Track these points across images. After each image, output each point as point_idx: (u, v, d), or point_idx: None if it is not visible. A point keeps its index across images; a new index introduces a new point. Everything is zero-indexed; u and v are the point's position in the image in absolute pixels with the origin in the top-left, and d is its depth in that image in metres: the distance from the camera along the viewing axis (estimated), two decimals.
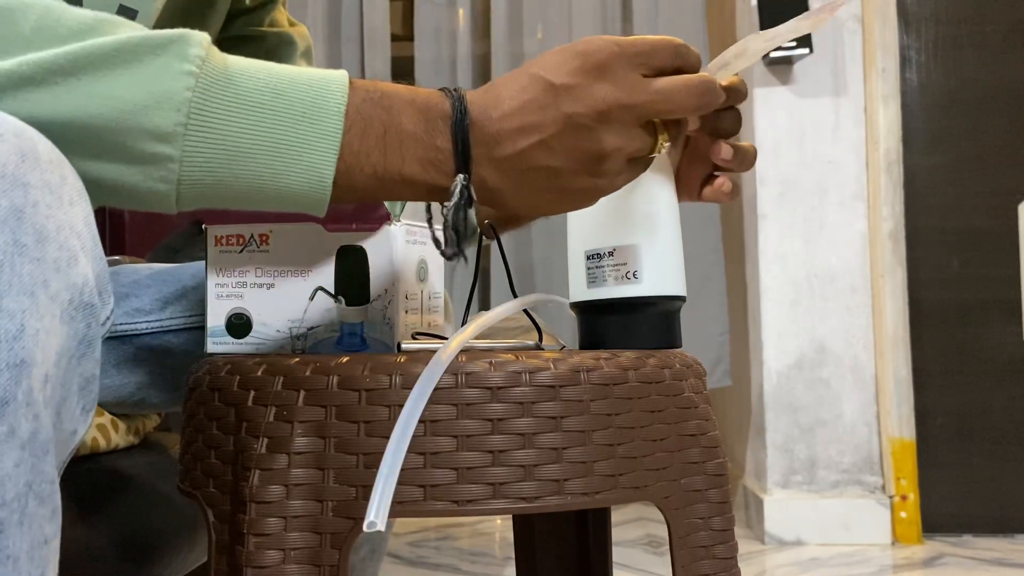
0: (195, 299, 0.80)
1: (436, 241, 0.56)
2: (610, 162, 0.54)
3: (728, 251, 2.40)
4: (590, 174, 0.54)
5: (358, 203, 0.57)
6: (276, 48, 0.90)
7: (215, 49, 0.48)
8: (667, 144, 0.57)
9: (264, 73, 0.49)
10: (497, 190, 0.53)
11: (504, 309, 0.60)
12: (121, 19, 0.47)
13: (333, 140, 0.48)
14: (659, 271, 0.65)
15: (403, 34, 2.67)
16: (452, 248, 0.54)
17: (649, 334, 0.65)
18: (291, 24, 0.94)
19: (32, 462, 0.38)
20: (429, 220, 0.58)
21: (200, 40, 0.47)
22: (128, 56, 0.45)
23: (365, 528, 0.49)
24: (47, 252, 0.39)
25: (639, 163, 0.57)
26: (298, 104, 0.48)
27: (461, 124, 0.51)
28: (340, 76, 0.50)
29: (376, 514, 0.48)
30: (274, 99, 0.48)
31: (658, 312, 0.66)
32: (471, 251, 0.58)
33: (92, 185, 0.46)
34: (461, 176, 0.51)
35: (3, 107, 0.43)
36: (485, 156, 0.52)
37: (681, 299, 0.67)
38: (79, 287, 0.41)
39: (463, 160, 0.51)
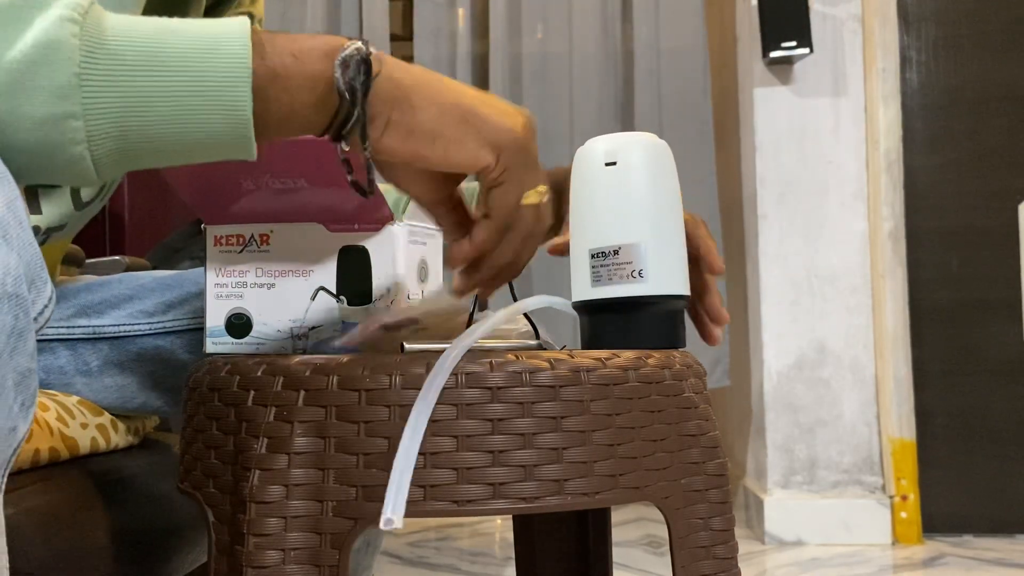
0: (198, 305, 0.80)
1: (354, 184, 0.52)
2: (527, 135, 0.54)
3: (728, 251, 2.40)
4: (505, 118, 0.53)
5: (279, 138, 0.50)
6: None
7: (95, 2, 0.44)
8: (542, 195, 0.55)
9: (152, 20, 0.45)
10: (405, 81, 0.50)
11: (510, 311, 0.59)
12: None
13: (242, 67, 0.44)
14: (664, 270, 0.65)
15: (403, 34, 2.67)
16: (363, 177, 0.50)
17: (654, 333, 0.65)
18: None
19: None
20: (349, 172, 0.51)
21: None
22: (2, 12, 0.41)
23: (382, 525, 0.48)
24: None
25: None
26: (198, 40, 0.44)
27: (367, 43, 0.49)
28: (237, 18, 0.47)
29: (392, 511, 0.48)
30: (172, 35, 0.44)
31: (662, 311, 0.66)
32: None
33: (9, 166, 0.42)
34: (357, 41, 0.48)
35: None
36: (402, 66, 0.50)
37: (685, 298, 0.67)
38: (0, 277, 0.38)
39: (363, 42, 0.49)
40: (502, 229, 0.54)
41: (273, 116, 0.47)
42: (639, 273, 0.65)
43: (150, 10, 0.67)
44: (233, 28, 0.45)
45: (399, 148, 0.50)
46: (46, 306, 0.42)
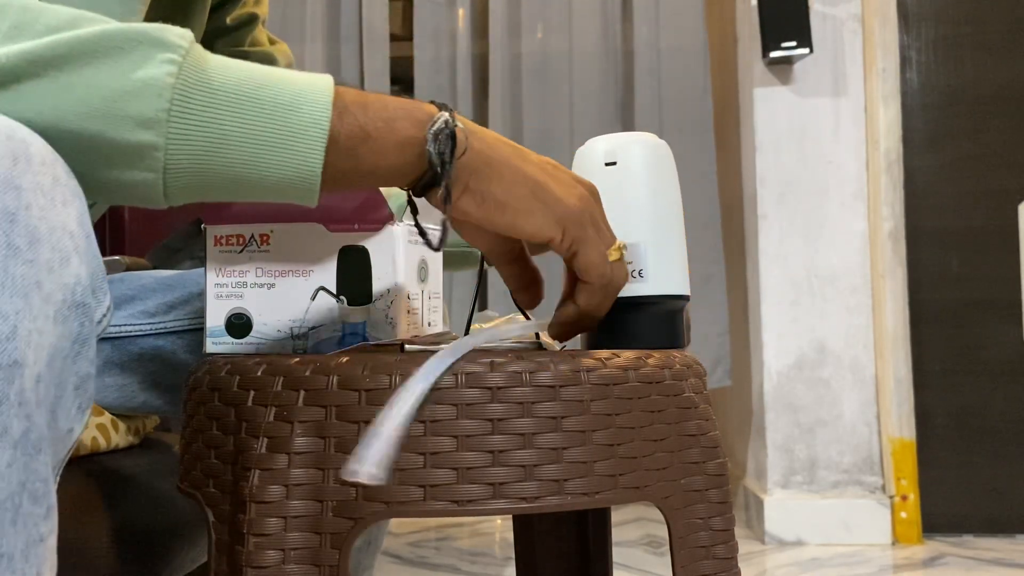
0: (199, 305, 0.80)
1: (422, 232, 0.57)
2: (598, 211, 0.58)
3: (728, 251, 2.40)
4: (578, 197, 0.57)
5: (355, 189, 0.56)
6: None
7: (196, 44, 0.48)
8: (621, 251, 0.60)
9: (246, 66, 0.49)
10: (486, 153, 0.54)
11: (508, 330, 0.61)
12: (98, 15, 0.47)
13: (320, 128, 0.48)
14: (664, 270, 0.65)
15: (402, 34, 2.67)
16: (435, 239, 0.55)
17: (654, 333, 0.65)
18: (271, 42, 0.94)
19: (25, 461, 0.38)
20: (414, 211, 0.58)
21: (181, 32, 0.47)
22: (109, 45, 0.45)
23: (345, 475, 0.48)
24: (40, 254, 0.39)
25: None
26: (284, 93, 0.48)
27: (449, 108, 0.54)
28: (324, 76, 0.51)
29: (361, 462, 0.48)
30: (258, 88, 0.47)
31: (663, 311, 0.66)
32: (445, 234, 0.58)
33: (85, 183, 0.46)
34: (446, 112, 0.52)
35: None
36: (479, 133, 0.54)
37: (685, 298, 0.67)
38: (71, 287, 0.41)
39: (448, 111, 0.53)
40: (600, 290, 0.59)
41: (359, 172, 0.51)
42: (639, 273, 0.65)
43: (153, 8, 0.67)
44: (319, 89, 0.49)
45: (473, 212, 0.55)
46: (105, 315, 0.44)
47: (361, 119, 0.50)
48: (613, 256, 0.59)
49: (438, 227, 0.65)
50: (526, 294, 0.64)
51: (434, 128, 0.52)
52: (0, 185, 0.38)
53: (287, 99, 0.48)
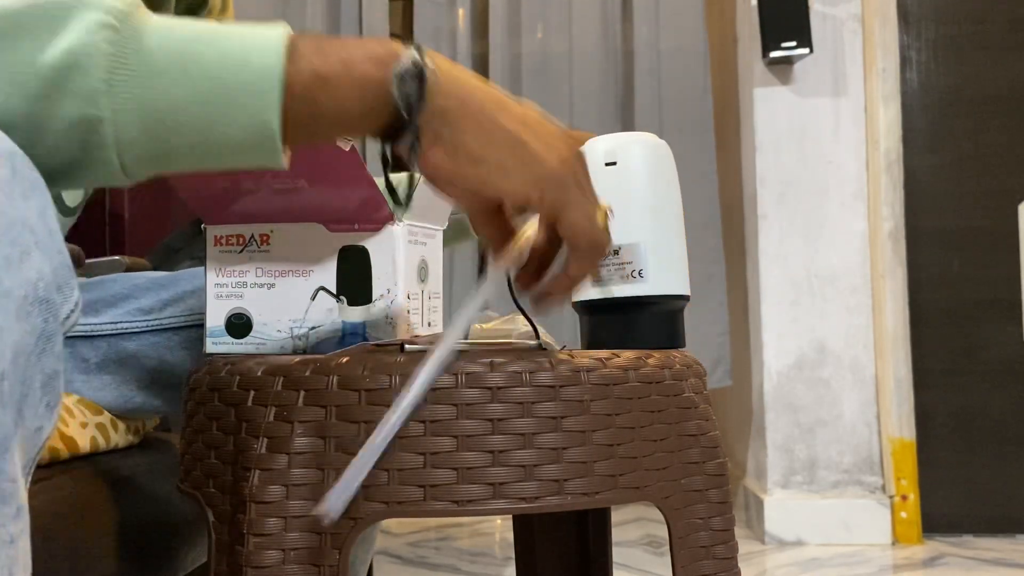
0: (194, 303, 0.80)
1: (390, 188, 0.52)
2: (580, 164, 0.53)
3: (728, 251, 2.40)
4: (558, 152, 0.52)
5: (323, 141, 0.51)
6: None
7: (138, 4, 0.45)
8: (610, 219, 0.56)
9: (191, 24, 0.46)
10: (458, 100, 0.49)
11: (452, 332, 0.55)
12: None
13: (272, 78, 0.44)
14: (664, 270, 0.65)
15: (402, 34, 2.67)
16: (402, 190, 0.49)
17: (654, 333, 0.65)
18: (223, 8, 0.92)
19: None
20: (384, 166, 0.52)
21: None
22: (39, 14, 0.42)
23: (316, 511, 0.49)
24: None
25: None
26: (231, 48, 0.45)
27: (420, 48, 0.48)
28: (276, 25, 0.47)
29: (331, 506, 0.49)
30: (205, 45, 0.44)
31: (662, 311, 0.66)
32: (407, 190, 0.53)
33: (42, 166, 0.43)
34: (413, 51, 0.47)
35: None
36: (451, 72, 0.49)
37: (685, 298, 0.67)
38: (33, 283, 0.39)
39: (417, 50, 0.48)
40: (593, 255, 0.54)
41: (322, 122, 0.47)
42: (639, 273, 0.65)
43: None
44: (269, 38, 0.45)
45: (444, 165, 0.50)
46: (72, 311, 0.43)
47: (316, 62, 0.46)
48: (600, 220, 0.54)
49: (429, 225, 0.64)
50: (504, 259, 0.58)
51: (399, 68, 0.47)
52: None
53: (235, 53, 0.44)
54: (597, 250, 0.54)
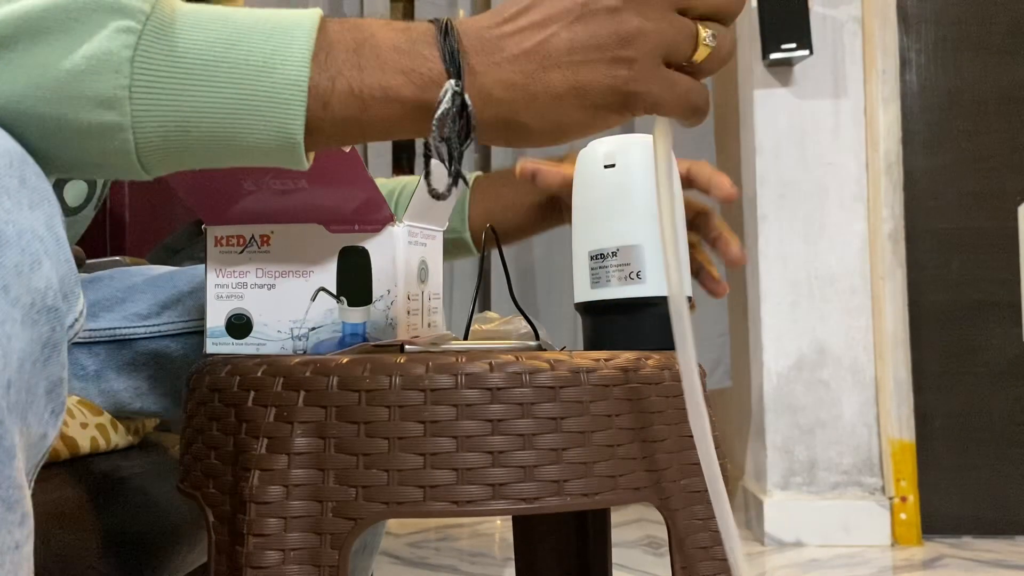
0: (191, 304, 0.80)
1: (427, 177, 0.48)
2: (637, 45, 0.45)
3: None
4: (614, 62, 0.45)
5: (341, 143, 0.49)
6: None
7: (165, 1, 0.44)
8: (711, 41, 0.47)
9: (220, 23, 0.44)
10: (506, 102, 0.46)
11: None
12: None
13: (298, 88, 0.43)
14: (662, 271, 0.65)
15: None
16: (443, 186, 0.47)
17: (653, 334, 0.65)
18: None
19: None
20: (426, 155, 0.47)
21: None
22: (61, 17, 0.42)
23: None
24: (7, 257, 0.38)
25: (677, 66, 0.47)
26: (256, 51, 0.43)
27: (448, 34, 0.45)
28: (305, 19, 0.44)
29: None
30: (230, 48, 0.43)
31: (662, 312, 0.66)
32: (460, 187, 0.51)
33: (57, 164, 0.44)
34: (452, 81, 0.45)
35: None
36: (486, 63, 0.45)
37: (687, 299, 0.67)
38: (41, 291, 0.40)
39: (453, 65, 0.45)
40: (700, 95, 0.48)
41: (355, 135, 0.46)
42: (637, 275, 0.65)
43: None
44: (297, 38, 0.43)
45: (515, 144, 0.48)
46: (77, 319, 0.43)
47: (354, 81, 0.44)
48: (701, 54, 0.47)
49: (429, 226, 0.64)
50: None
51: (439, 113, 0.45)
52: None
53: (260, 58, 0.43)
54: (699, 91, 0.48)
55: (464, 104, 0.45)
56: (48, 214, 0.41)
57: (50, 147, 0.43)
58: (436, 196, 0.48)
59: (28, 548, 0.40)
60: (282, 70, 0.43)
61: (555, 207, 0.86)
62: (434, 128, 0.45)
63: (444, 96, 0.45)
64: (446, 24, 0.46)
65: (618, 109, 0.47)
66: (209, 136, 0.44)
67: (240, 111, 0.43)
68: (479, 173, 0.92)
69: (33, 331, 0.39)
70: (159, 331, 0.79)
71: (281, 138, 0.44)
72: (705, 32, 0.47)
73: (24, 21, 0.41)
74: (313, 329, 0.64)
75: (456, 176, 0.47)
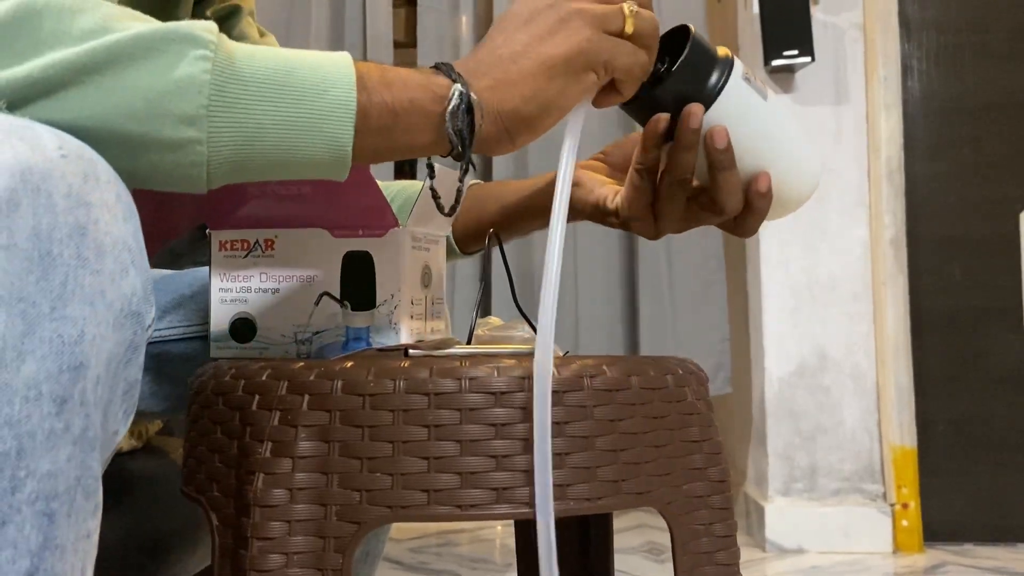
0: (192, 308, 0.80)
1: (433, 191, 0.59)
2: (579, 21, 0.56)
3: (729, 258, 2.41)
4: (566, 37, 0.56)
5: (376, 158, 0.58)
6: None
7: (222, 35, 0.50)
8: (634, 10, 0.58)
9: (269, 52, 0.51)
10: (496, 97, 0.55)
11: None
12: (125, 9, 0.49)
13: (348, 107, 0.50)
14: None
15: (406, 41, 2.68)
16: (448, 205, 0.56)
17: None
18: (261, 35, 0.94)
19: (82, 458, 0.41)
20: (429, 168, 0.60)
21: (207, 26, 0.49)
22: (146, 47, 0.47)
23: None
24: (105, 265, 0.43)
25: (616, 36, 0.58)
26: (309, 78, 0.50)
27: (444, 64, 0.55)
28: (339, 56, 0.53)
29: None
30: (287, 75, 0.50)
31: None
32: (465, 182, 0.60)
33: (130, 176, 0.48)
34: (457, 85, 0.54)
35: (37, 113, 0.45)
36: (475, 74, 0.55)
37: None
38: (128, 297, 0.44)
39: (454, 71, 0.55)
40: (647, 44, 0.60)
41: (389, 149, 0.54)
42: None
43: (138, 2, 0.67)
44: (340, 66, 0.51)
45: (518, 141, 0.57)
46: (150, 325, 0.47)
47: (386, 97, 0.52)
48: (628, 27, 0.58)
49: (432, 231, 0.65)
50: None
51: (450, 107, 0.53)
52: (73, 201, 0.42)
53: (314, 83, 0.50)
54: (650, 39, 0.59)
55: (469, 102, 0.54)
56: (135, 227, 0.46)
57: (124, 160, 0.47)
58: (445, 212, 0.57)
59: (95, 538, 0.43)
60: (333, 92, 0.50)
61: (539, 211, 0.85)
62: (447, 121, 0.53)
63: (453, 95, 0.53)
64: (438, 64, 0.55)
65: (583, 70, 0.57)
66: (272, 148, 0.50)
67: (299, 127, 0.50)
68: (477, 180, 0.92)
69: (120, 334, 0.44)
70: (160, 336, 0.80)
71: (333, 150, 0.50)
72: (628, 8, 0.58)
73: (113, 50, 0.46)
74: (317, 333, 0.64)
75: (467, 164, 0.55)
